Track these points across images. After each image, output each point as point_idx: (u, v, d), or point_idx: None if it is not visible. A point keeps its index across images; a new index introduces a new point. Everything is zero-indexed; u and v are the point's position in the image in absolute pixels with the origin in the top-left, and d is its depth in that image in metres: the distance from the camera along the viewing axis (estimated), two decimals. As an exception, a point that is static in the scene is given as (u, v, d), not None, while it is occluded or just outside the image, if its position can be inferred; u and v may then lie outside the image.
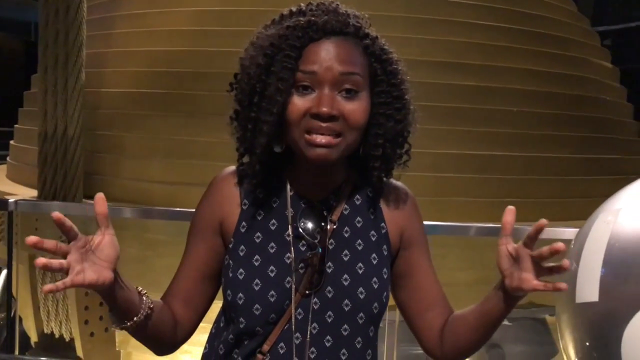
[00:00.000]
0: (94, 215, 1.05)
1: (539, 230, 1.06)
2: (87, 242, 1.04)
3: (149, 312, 1.16)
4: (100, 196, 1.05)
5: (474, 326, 1.19)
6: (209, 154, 4.16)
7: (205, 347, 1.30)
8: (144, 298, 1.16)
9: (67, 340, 4.17)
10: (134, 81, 4.79)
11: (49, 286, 0.99)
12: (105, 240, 1.05)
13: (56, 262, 1.01)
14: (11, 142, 5.68)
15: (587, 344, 1.23)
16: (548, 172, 4.63)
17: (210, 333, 1.30)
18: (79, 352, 4.10)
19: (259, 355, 1.18)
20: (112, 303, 1.11)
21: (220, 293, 1.28)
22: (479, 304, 1.19)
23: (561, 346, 1.34)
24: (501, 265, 1.11)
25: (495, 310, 1.15)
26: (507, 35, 4.88)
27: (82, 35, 4.14)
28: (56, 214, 1.00)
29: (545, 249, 1.04)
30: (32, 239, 0.99)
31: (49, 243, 1.00)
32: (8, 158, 5.64)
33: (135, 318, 1.14)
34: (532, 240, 1.07)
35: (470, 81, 4.60)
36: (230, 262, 1.21)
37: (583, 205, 4.44)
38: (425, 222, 1.29)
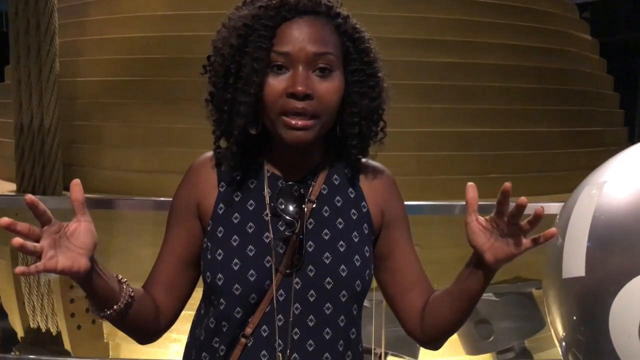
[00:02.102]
0: (71, 202, 1.03)
1: (520, 208, 1.07)
2: (61, 227, 1.02)
3: (129, 300, 1.14)
4: (76, 182, 1.03)
5: (454, 306, 1.20)
6: (188, 141, 4.11)
7: (188, 337, 1.29)
8: (124, 287, 1.15)
9: (54, 334, 4.14)
10: (110, 69, 4.72)
11: (20, 268, 0.97)
12: (81, 228, 1.03)
13: (31, 244, 0.99)
14: (-13, 135, 5.58)
15: (575, 318, 1.22)
16: (530, 147, 4.64)
17: (192, 322, 1.29)
18: (67, 346, 4.07)
19: (242, 339, 1.17)
20: (91, 291, 1.10)
21: (201, 281, 1.26)
22: (455, 283, 1.19)
23: (548, 321, 1.33)
24: (476, 241, 1.11)
25: (474, 287, 1.15)
26: (485, 10, 4.86)
27: (54, 24, 4.06)
28: (29, 197, 0.98)
29: (525, 221, 1.07)
30: (4, 220, 0.97)
31: (22, 226, 0.98)
32: (-16, 152, 5.53)
33: (115, 307, 1.13)
34: (502, 207, 1.08)
35: (449, 58, 4.58)
36: (209, 244, 1.20)
37: (566, 178, 4.46)
38: (409, 202, 1.28)
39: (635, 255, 1.12)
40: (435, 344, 1.28)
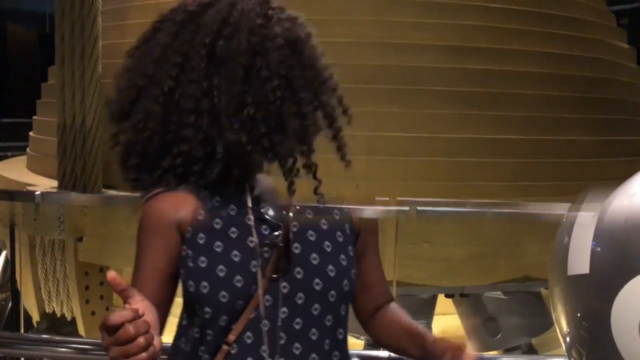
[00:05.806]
0: (117, 293, 0.97)
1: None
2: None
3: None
4: (111, 275, 0.95)
5: (399, 345, 1.30)
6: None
7: (171, 348, 1.27)
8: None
9: (68, 319, 4.24)
10: (149, 72, 4.83)
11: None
12: (140, 309, 0.94)
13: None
14: (30, 133, 5.77)
15: (578, 315, 1.26)
16: (563, 155, 4.61)
17: (176, 333, 1.27)
18: (81, 331, 4.17)
19: (224, 347, 1.15)
20: None
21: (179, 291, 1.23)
22: (415, 337, 1.26)
23: (554, 318, 1.37)
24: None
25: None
26: (520, 18, 4.85)
27: (98, 27, 4.19)
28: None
29: None
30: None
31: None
32: (28, 149, 5.72)
33: None
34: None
35: (483, 65, 4.59)
36: (189, 251, 1.17)
37: (598, 187, 4.41)
38: (418, 199, 1.32)
39: (637, 253, 1.16)
40: (379, 344, 1.37)
